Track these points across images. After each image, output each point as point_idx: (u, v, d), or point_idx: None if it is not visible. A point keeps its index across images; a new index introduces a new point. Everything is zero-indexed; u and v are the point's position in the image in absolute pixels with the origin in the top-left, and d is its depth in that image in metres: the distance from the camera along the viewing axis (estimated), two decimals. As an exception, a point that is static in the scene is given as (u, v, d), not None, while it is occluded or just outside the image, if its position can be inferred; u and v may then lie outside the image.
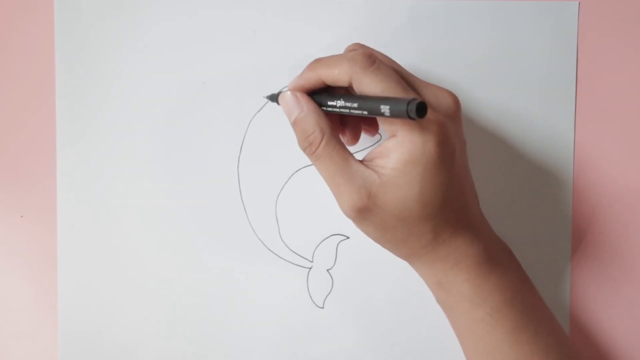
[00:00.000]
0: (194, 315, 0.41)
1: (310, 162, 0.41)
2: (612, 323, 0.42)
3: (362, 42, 0.35)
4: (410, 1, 0.41)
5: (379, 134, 0.39)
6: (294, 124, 0.34)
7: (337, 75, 0.32)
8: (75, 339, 0.41)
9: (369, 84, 0.31)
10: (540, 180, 0.41)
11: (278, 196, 0.41)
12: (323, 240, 0.41)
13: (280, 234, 0.41)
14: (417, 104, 0.28)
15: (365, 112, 0.31)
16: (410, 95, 0.31)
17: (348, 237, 0.41)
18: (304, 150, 0.33)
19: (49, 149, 0.41)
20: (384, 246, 0.34)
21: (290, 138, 0.41)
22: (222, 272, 0.41)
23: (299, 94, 0.34)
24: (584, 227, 0.42)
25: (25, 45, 0.41)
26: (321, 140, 0.33)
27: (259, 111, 0.41)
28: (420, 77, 0.34)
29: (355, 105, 0.31)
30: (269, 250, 0.41)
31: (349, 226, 0.41)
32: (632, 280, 0.42)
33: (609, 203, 0.42)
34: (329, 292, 0.41)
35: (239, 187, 0.41)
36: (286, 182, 0.41)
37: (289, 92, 0.34)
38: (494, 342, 0.34)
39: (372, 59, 0.32)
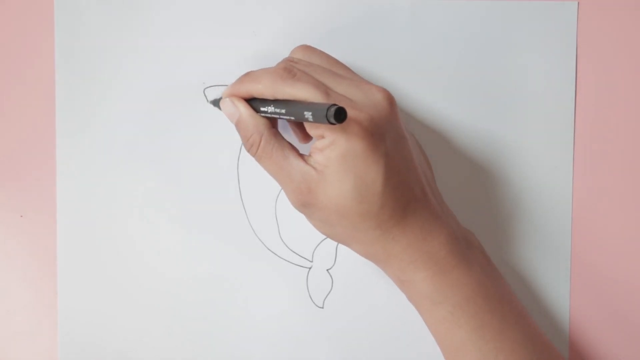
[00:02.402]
0: (193, 314, 0.41)
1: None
2: (613, 323, 0.42)
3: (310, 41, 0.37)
4: (410, 1, 0.41)
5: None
6: (236, 127, 0.35)
7: (261, 90, 0.33)
8: (75, 340, 0.41)
9: (291, 95, 0.32)
10: (539, 180, 0.41)
11: (278, 196, 0.41)
12: (323, 240, 0.41)
13: (280, 234, 0.41)
14: (335, 110, 0.29)
15: (292, 118, 0.32)
16: (332, 99, 0.32)
17: (348, 237, 0.41)
18: (248, 151, 0.35)
19: (49, 149, 0.41)
20: (340, 243, 0.35)
21: (290, 138, 0.41)
22: (222, 272, 0.41)
23: (235, 99, 0.35)
24: (584, 230, 0.42)
25: (25, 45, 0.41)
26: (259, 141, 0.34)
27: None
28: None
29: (283, 111, 0.32)
30: (269, 250, 0.41)
31: (349, 226, 0.41)
32: (633, 283, 0.42)
33: (609, 202, 0.42)
34: (329, 292, 0.41)
35: (239, 187, 0.41)
36: (286, 182, 0.41)
37: (226, 98, 0.35)
38: (458, 340, 0.34)
39: (291, 71, 0.33)
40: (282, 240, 0.41)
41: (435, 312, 0.34)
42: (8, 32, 0.41)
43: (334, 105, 0.29)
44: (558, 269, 0.41)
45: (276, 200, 0.41)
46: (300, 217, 0.41)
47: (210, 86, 0.41)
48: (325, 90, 0.32)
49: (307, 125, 0.33)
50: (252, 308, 0.41)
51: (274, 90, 0.33)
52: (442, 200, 0.37)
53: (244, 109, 0.35)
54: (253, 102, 0.35)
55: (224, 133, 0.41)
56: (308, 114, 0.30)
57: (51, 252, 0.41)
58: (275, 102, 0.33)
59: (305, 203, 0.33)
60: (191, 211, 0.41)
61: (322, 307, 0.41)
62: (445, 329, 0.34)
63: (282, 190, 0.34)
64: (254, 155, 0.35)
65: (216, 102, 0.37)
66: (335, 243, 0.41)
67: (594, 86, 0.41)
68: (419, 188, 0.34)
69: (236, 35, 0.41)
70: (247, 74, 0.35)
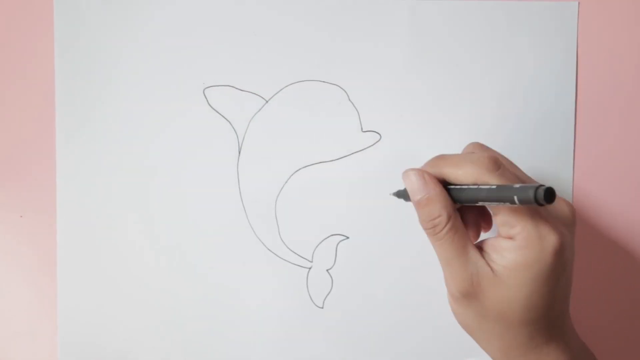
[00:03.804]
0: (193, 314, 0.41)
1: (311, 163, 0.41)
2: (613, 323, 0.42)
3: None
4: (410, 1, 0.41)
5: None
6: (418, 204, 0.34)
7: (461, 176, 0.32)
8: (75, 339, 0.41)
9: None
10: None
11: (278, 196, 0.41)
12: (323, 240, 0.41)
13: (280, 234, 0.41)
14: (546, 189, 0.28)
15: (493, 187, 0.31)
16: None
17: (348, 237, 0.41)
18: (425, 230, 0.34)
19: (49, 149, 0.41)
20: (475, 336, 0.34)
21: (291, 138, 0.41)
22: (222, 272, 0.41)
23: (427, 175, 0.34)
24: (583, 230, 0.42)
25: (25, 45, 0.41)
26: (446, 224, 0.33)
27: (258, 111, 0.41)
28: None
29: (487, 187, 0.31)
30: (269, 250, 0.41)
31: (349, 226, 0.41)
32: (633, 281, 0.42)
33: (610, 202, 0.42)
34: (329, 292, 0.41)
35: (239, 187, 0.41)
36: (286, 182, 0.41)
37: (414, 171, 0.34)
38: None
39: (498, 164, 0.32)
40: (282, 240, 0.41)
41: None
42: (8, 32, 0.41)
43: (544, 185, 0.28)
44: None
45: (276, 200, 0.41)
46: (300, 218, 0.41)
47: (210, 86, 0.41)
48: None
49: (500, 221, 0.32)
50: (252, 308, 0.41)
51: (477, 180, 0.32)
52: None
53: (436, 186, 0.33)
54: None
55: (224, 133, 0.41)
56: (517, 185, 0.29)
57: (51, 252, 0.41)
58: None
59: (468, 294, 0.32)
60: (191, 211, 0.41)
61: (322, 307, 0.41)
62: None
63: (444, 274, 0.33)
64: (434, 235, 0.33)
65: (400, 194, 0.37)
66: (335, 243, 0.41)
67: (595, 86, 0.41)
68: (567, 303, 0.34)
69: (236, 35, 0.41)
70: (442, 158, 0.34)
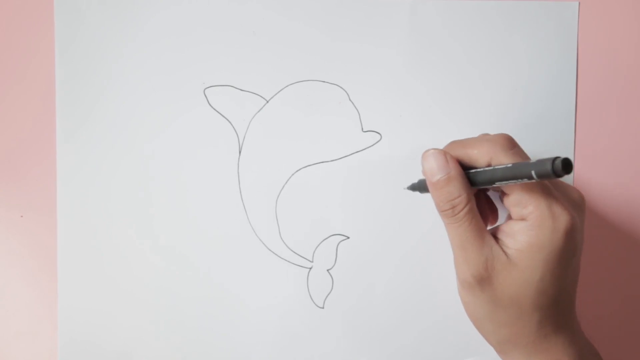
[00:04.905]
0: (193, 314, 0.41)
1: (311, 163, 0.41)
2: (613, 323, 0.42)
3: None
4: (410, 1, 0.41)
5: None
6: (436, 184, 0.33)
7: (476, 155, 0.33)
8: (75, 339, 0.41)
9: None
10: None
11: (278, 196, 0.41)
12: (323, 241, 0.41)
13: (280, 234, 0.41)
14: (563, 160, 0.28)
15: (510, 165, 0.31)
16: (546, 184, 0.32)
17: (348, 237, 0.41)
18: (443, 211, 0.33)
19: (49, 149, 0.41)
20: (484, 326, 0.34)
21: (291, 138, 0.41)
22: (222, 272, 0.41)
23: (448, 155, 0.34)
24: (584, 229, 0.42)
25: (26, 45, 0.41)
26: (466, 205, 0.33)
27: (259, 111, 0.41)
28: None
29: (504, 166, 0.31)
30: (269, 250, 0.41)
31: (349, 226, 0.41)
32: (634, 283, 0.42)
33: (610, 202, 0.42)
34: (329, 292, 0.41)
35: (239, 187, 0.41)
36: (286, 182, 0.41)
37: (436, 151, 0.34)
38: None
39: (513, 142, 0.33)
40: (282, 240, 0.41)
41: None
42: (8, 32, 0.41)
43: (559, 157, 0.28)
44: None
45: (277, 200, 0.41)
46: (301, 218, 0.41)
47: (210, 86, 0.41)
48: None
49: (513, 202, 0.32)
50: (252, 308, 0.41)
51: (492, 158, 0.32)
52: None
53: (457, 167, 0.33)
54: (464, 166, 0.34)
55: (224, 133, 0.41)
56: (532, 166, 0.29)
57: (51, 252, 0.41)
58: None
59: (482, 279, 0.32)
60: (191, 211, 0.41)
61: (323, 307, 0.41)
62: None
63: (456, 260, 0.33)
64: (451, 217, 0.33)
65: (414, 186, 0.37)
66: (336, 243, 0.41)
67: (595, 86, 0.41)
68: (575, 294, 0.34)
69: (236, 35, 0.40)
70: (457, 141, 0.34)
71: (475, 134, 0.41)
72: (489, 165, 0.32)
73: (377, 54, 0.41)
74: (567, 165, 0.28)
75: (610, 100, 0.41)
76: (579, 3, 0.41)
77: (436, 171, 0.33)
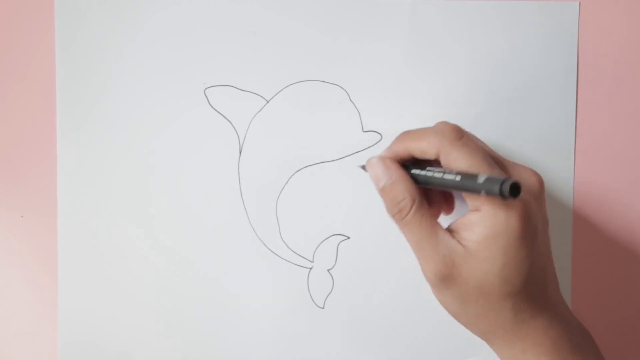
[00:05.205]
0: (193, 314, 0.41)
1: (311, 163, 0.41)
2: (613, 322, 0.42)
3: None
4: (410, 1, 0.41)
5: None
6: (382, 191, 0.34)
7: (425, 148, 0.33)
8: (75, 339, 0.41)
9: (457, 158, 0.32)
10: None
11: (278, 196, 0.41)
12: (323, 241, 0.41)
13: (280, 234, 0.41)
14: (511, 184, 0.28)
15: (457, 178, 0.31)
16: (496, 171, 0.32)
17: (348, 237, 0.41)
18: (393, 216, 0.34)
19: (49, 149, 0.41)
20: (463, 320, 0.34)
21: (291, 138, 0.41)
22: (222, 272, 0.41)
23: (388, 161, 0.34)
24: (584, 228, 0.42)
25: (26, 45, 0.41)
26: (411, 207, 0.33)
27: (259, 111, 0.41)
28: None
29: (454, 177, 0.31)
30: (270, 250, 0.41)
31: (350, 226, 0.41)
32: (633, 283, 0.42)
33: (610, 202, 0.42)
34: (330, 292, 0.41)
35: (240, 187, 0.41)
36: (287, 182, 0.41)
37: (376, 159, 0.35)
38: None
39: (461, 133, 0.33)
40: (282, 240, 0.41)
41: None
42: (8, 32, 0.41)
43: (509, 179, 0.29)
44: (558, 269, 0.41)
45: (277, 200, 0.41)
46: (301, 217, 0.41)
47: (210, 86, 0.41)
48: (490, 161, 0.32)
49: (465, 195, 0.32)
50: (252, 308, 0.41)
51: (440, 150, 0.32)
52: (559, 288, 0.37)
53: (397, 170, 0.34)
54: (410, 167, 0.34)
55: (224, 133, 0.41)
56: (482, 177, 0.30)
57: (51, 252, 0.41)
58: (440, 168, 0.32)
59: (446, 277, 0.32)
60: (191, 211, 0.41)
61: (323, 307, 0.41)
62: None
63: (418, 262, 0.33)
64: (400, 220, 0.34)
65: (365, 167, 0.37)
66: (336, 243, 0.41)
67: (595, 86, 0.41)
68: (551, 275, 0.34)
69: (237, 35, 0.40)
70: (407, 132, 0.34)
71: (475, 133, 0.41)
72: (438, 157, 0.33)
73: (377, 53, 0.41)
74: (514, 190, 0.28)
75: (611, 100, 0.41)
76: (579, 3, 0.41)
77: (380, 178, 0.34)
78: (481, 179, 0.30)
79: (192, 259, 0.41)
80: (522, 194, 0.31)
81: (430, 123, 0.41)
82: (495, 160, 0.34)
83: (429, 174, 0.33)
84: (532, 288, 0.32)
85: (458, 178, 0.31)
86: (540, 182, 0.34)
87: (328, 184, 0.41)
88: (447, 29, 0.41)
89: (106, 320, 0.41)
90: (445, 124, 0.34)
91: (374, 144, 0.41)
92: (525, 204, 0.31)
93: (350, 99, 0.41)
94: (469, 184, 0.30)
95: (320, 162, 0.41)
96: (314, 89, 0.41)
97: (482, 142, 0.36)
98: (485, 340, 0.34)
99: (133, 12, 0.40)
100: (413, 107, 0.41)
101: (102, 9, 0.40)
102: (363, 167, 0.38)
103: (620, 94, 0.41)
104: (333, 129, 0.41)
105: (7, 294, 0.42)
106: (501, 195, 0.29)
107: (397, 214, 0.33)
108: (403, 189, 0.33)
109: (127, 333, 0.41)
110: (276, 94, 0.41)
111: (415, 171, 0.34)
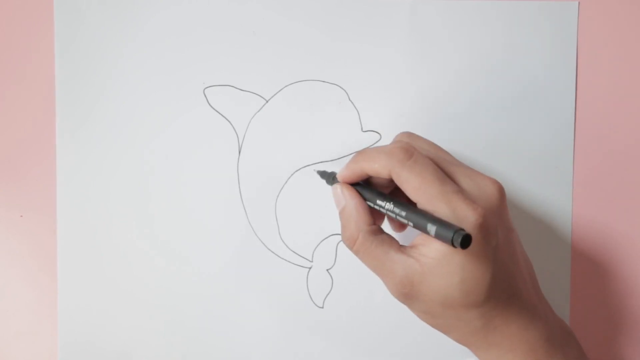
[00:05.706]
0: (193, 314, 0.41)
1: (311, 162, 0.41)
2: (613, 323, 0.42)
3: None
4: (410, 1, 0.41)
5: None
6: (339, 215, 0.35)
7: (377, 169, 0.33)
8: (75, 339, 0.41)
9: (407, 179, 0.32)
10: (539, 180, 0.41)
11: (278, 196, 0.41)
12: (323, 240, 0.41)
13: (280, 234, 0.41)
14: (463, 236, 0.28)
15: (410, 224, 0.31)
16: (448, 187, 0.31)
17: (348, 237, 0.41)
18: (344, 242, 0.34)
19: (48, 149, 0.41)
20: (440, 330, 0.34)
21: (291, 138, 0.41)
22: (222, 272, 0.41)
23: (343, 188, 0.35)
24: (584, 229, 0.42)
25: (26, 45, 0.41)
26: (357, 237, 0.33)
27: (259, 111, 0.41)
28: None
29: (403, 214, 0.32)
30: (269, 250, 0.41)
31: (349, 226, 0.41)
32: (633, 283, 0.42)
33: (610, 202, 0.42)
34: (329, 292, 0.41)
35: (239, 187, 0.41)
36: (286, 182, 0.41)
37: (336, 184, 0.35)
38: None
39: (409, 153, 0.32)
40: (282, 240, 0.41)
41: None
42: (8, 32, 0.41)
43: (462, 230, 0.29)
44: (558, 269, 0.41)
45: (276, 200, 0.41)
46: (301, 217, 0.41)
47: (210, 86, 0.41)
48: (442, 178, 0.32)
49: (422, 210, 0.32)
50: (252, 308, 0.41)
51: (391, 171, 0.32)
52: (540, 289, 0.36)
53: (350, 200, 0.34)
54: (369, 192, 0.34)
55: (224, 133, 0.41)
56: (431, 229, 0.30)
57: (51, 251, 0.41)
58: (396, 202, 0.33)
59: (407, 295, 0.32)
60: (191, 211, 0.41)
61: (322, 307, 0.41)
62: None
63: (382, 281, 0.34)
64: (350, 249, 0.34)
65: (323, 174, 0.38)
66: (335, 243, 0.41)
67: (595, 86, 0.41)
68: (521, 280, 0.34)
69: (236, 35, 0.41)
70: (362, 153, 0.34)
71: (475, 133, 0.41)
72: (390, 177, 0.33)
73: (377, 53, 0.41)
74: (465, 242, 0.29)
75: (611, 100, 0.41)
76: (579, 3, 0.41)
77: (337, 203, 0.35)
78: (431, 231, 0.30)
79: (191, 258, 0.41)
80: (474, 206, 0.31)
81: (429, 123, 0.41)
82: (449, 172, 0.33)
83: (384, 209, 0.33)
84: (500, 295, 0.32)
85: (411, 224, 0.31)
86: (500, 191, 0.33)
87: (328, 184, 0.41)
88: (447, 29, 0.41)
89: (106, 320, 0.41)
90: (396, 143, 0.34)
91: (373, 144, 0.41)
92: (480, 215, 0.31)
93: (349, 99, 0.41)
94: (421, 224, 0.31)
95: (319, 162, 0.41)
96: (314, 88, 0.41)
97: (441, 150, 0.35)
98: (469, 347, 0.34)
99: (133, 12, 0.40)
100: (412, 107, 0.41)
101: (102, 9, 0.40)
102: (320, 174, 0.38)
103: (620, 94, 0.41)
104: (332, 129, 0.41)
105: (7, 294, 0.42)
106: (452, 244, 0.29)
107: (347, 242, 0.34)
108: (352, 220, 0.34)
109: (127, 333, 0.41)
110: (276, 94, 0.41)
111: (368, 202, 0.34)
